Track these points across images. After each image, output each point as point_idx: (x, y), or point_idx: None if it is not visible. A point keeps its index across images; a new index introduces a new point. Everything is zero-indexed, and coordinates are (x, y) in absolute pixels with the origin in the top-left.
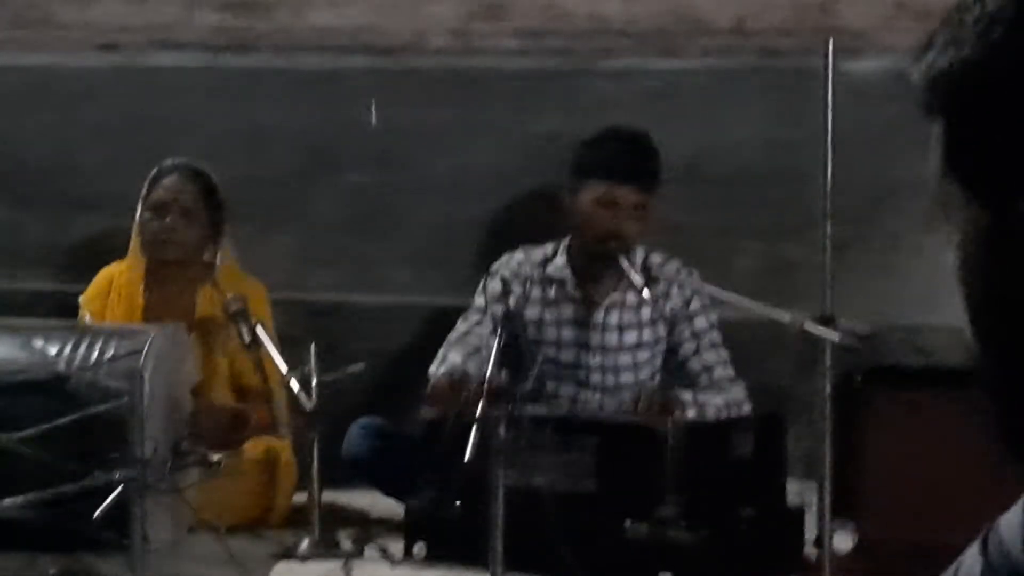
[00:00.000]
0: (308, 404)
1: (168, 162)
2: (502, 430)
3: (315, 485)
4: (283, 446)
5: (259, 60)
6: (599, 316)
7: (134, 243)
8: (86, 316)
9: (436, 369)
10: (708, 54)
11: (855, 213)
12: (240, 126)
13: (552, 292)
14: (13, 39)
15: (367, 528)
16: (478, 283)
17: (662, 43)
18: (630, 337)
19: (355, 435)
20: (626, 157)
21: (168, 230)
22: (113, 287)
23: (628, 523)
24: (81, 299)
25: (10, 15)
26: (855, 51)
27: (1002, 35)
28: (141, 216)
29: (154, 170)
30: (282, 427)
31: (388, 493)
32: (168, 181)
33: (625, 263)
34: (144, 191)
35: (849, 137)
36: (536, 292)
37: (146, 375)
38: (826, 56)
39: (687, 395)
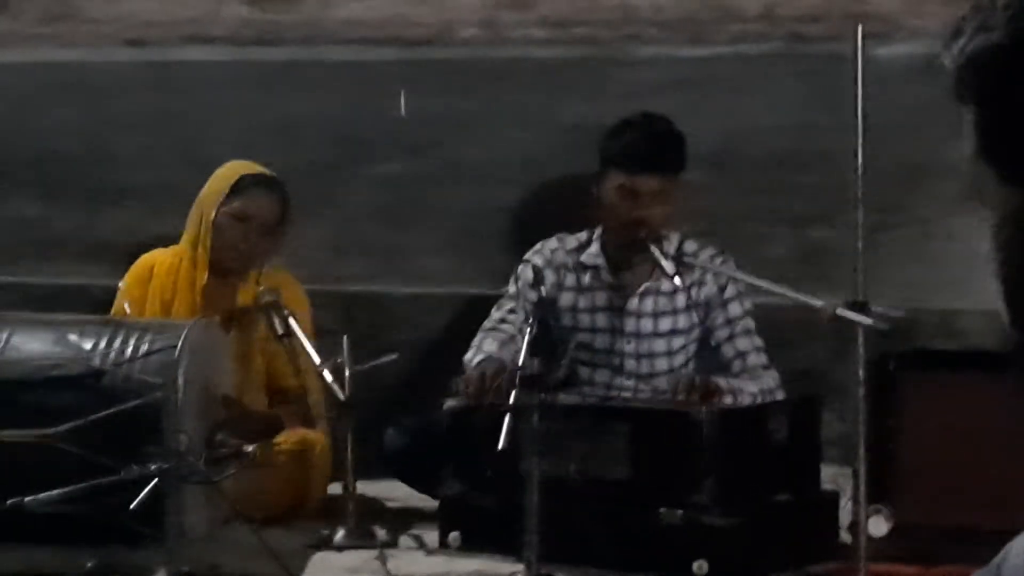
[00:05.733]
0: (342, 395)
1: (252, 171)
2: (535, 418)
3: (350, 475)
4: (318, 437)
5: (287, 53)
6: (633, 303)
7: (189, 236)
8: (125, 303)
9: (471, 358)
10: (737, 41)
11: (886, 198)
12: (269, 119)
13: (586, 279)
14: (43, 34)
15: (402, 518)
16: (510, 271)
17: (691, 30)
18: (664, 323)
19: (390, 439)
20: (642, 146)
21: (248, 242)
22: (155, 275)
23: (662, 510)
24: (121, 285)
25: (40, 10)
26: (884, 36)
27: None
28: (218, 219)
29: (235, 177)
30: (318, 422)
31: (425, 492)
32: (256, 195)
33: (656, 250)
34: (221, 196)
35: (879, 122)
36: (570, 279)
37: (180, 369)
38: (856, 41)
39: (722, 381)
